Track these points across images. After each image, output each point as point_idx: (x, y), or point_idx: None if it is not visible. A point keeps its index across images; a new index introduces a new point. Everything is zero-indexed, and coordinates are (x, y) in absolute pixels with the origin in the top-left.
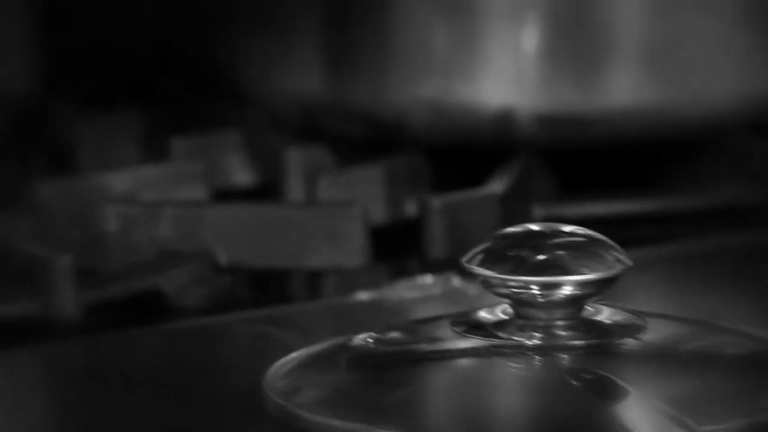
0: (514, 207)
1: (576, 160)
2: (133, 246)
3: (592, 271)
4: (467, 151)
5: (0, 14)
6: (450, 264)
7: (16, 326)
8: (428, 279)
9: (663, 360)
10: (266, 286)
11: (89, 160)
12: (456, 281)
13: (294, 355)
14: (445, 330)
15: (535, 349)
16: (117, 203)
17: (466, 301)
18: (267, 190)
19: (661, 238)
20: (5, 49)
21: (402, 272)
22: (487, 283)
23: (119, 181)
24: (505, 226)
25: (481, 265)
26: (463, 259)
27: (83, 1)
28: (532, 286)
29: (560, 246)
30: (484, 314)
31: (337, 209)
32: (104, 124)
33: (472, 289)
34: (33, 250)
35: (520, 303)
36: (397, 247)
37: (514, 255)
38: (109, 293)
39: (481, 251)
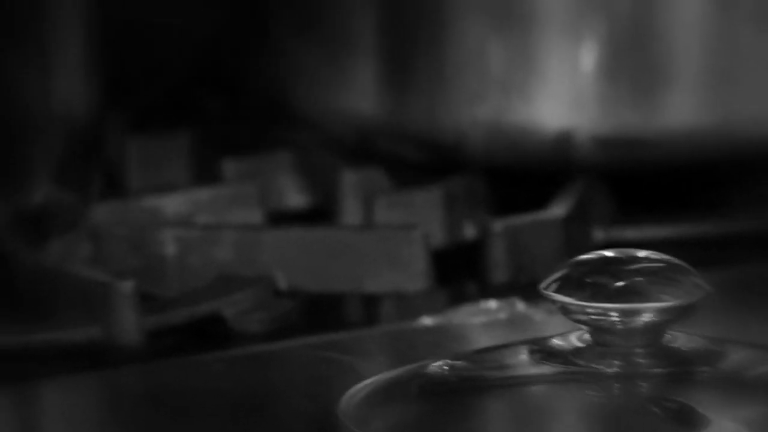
0: (575, 230)
1: (635, 181)
2: (191, 270)
3: (672, 297)
4: (525, 173)
5: (60, 35)
6: (512, 288)
7: (78, 352)
8: (492, 304)
9: (743, 387)
10: (327, 311)
11: (142, 182)
12: (520, 306)
13: (367, 382)
14: (520, 357)
15: (615, 376)
16: (175, 227)
17: (532, 327)
18: (321, 213)
19: (722, 262)
20: (65, 70)
21: (464, 297)
22: (565, 310)
23: (173, 203)
24: (567, 250)
25: (559, 291)
26: (541, 286)
27: (137, 20)
28: (612, 313)
29: (639, 272)
30: (560, 341)
31: (398, 233)
32: (156, 145)
33: (538, 315)
34: (93, 275)
35: (598, 330)
36: (456, 271)
37: (592, 281)
38: (171, 319)
39: (559, 278)
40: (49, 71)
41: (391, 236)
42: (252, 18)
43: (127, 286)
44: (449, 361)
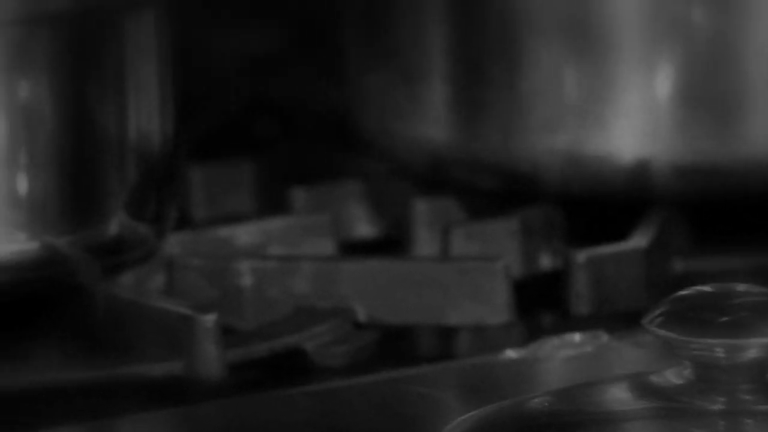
0: (656, 261)
1: (714, 211)
2: (268, 302)
3: None
4: (601, 203)
5: (137, 62)
6: (595, 320)
7: (158, 386)
8: (576, 337)
9: None
10: (407, 344)
11: (207, 211)
12: (605, 339)
13: (464, 418)
14: (620, 392)
15: (719, 413)
16: (252, 258)
17: (620, 361)
18: (391, 242)
19: None
20: (140, 98)
21: (545, 329)
22: (670, 345)
23: (245, 233)
24: (648, 281)
25: (662, 327)
26: (644, 321)
27: (196, 45)
28: (717, 348)
29: (742, 306)
30: (660, 377)
31: (479, 264)
32: (220, 173)
33: (625, 348)
34: (174, 308)
35: (702, 365)
36: (535, 303)
37: (696, 317)
38: (252, 352)
39: (661, 313)
40: (125, 99)
41: (472, 268)
42: (319, 42)
43: (210, 319)
44: (548, 397)
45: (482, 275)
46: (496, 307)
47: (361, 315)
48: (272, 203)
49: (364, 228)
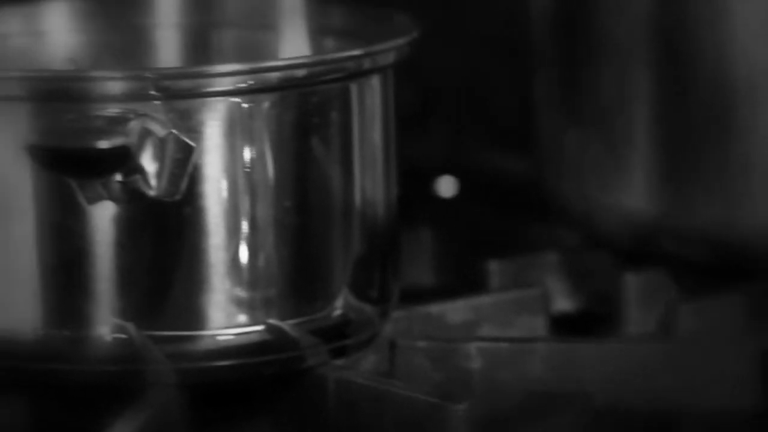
0: None
1: None
2: (498, 385)
3: None
4: None
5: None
6: None
7: None
8: None
9: None
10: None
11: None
12: None
13: None
14: None
15: None
16: (482, 339)
17: None
18: (594, 318)
19: None
20: (366, 171)
21: None
22: None
23: (454, 310)
24: None
25: None
26: None
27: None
28: None
29: None
30: None
31: (728, 346)
32: (415, 242)
33: None
34: (418, 395)
35: None
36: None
37: None
38: None
39: None
40: (351, 167)
41: (721, 350)
42: (511, 107)
43: (462, 408)
44: None
45: (731, 357)
46: (745, 390)
47: (600, 401)
48: (457, 275)
49: (562, 302)
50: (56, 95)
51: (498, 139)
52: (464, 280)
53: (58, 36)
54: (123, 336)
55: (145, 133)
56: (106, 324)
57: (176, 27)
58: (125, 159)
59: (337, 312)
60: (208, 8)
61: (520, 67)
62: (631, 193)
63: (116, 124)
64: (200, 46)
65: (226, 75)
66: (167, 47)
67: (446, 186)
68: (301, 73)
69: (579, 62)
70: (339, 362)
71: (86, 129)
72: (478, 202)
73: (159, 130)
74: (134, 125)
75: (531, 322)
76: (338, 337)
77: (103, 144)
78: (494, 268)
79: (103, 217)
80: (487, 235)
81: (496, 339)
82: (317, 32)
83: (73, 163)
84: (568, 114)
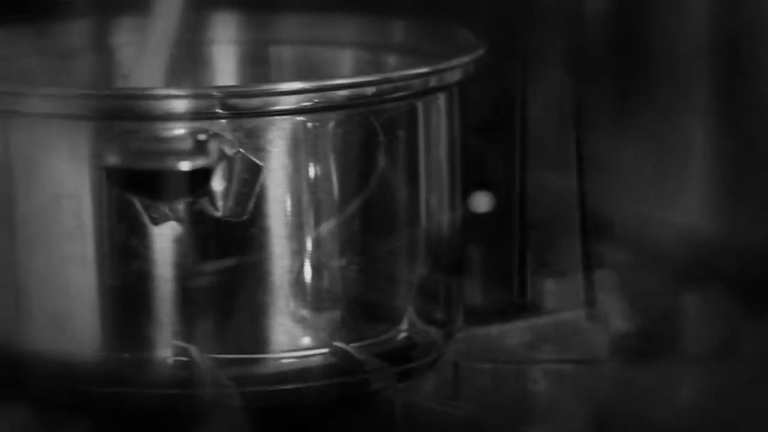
0: None
1: None
2: (562, 407)
3: None
4: None
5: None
6: None
7: None
8: None
9: None
10: None
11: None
12: None
13: None
14: None
15: None
16: (546, 361)
17: None
18: (650, 337)
19: None
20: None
21: None
22: None
23: (514, 331)
24: None
25: None
26: None
27: None
28: None
29: None
30: None
31: None
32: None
33: None
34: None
35: None
36: None
37: None
38: None
39: None
40: (417, 186)
41: None
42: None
43: (527, 430)
44: None
45: None
46: None
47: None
48: (508, 294)
49: (618, 322)
50: (122, 114)
51: (536, 154)
52: (518, 300)
53: (114, 52)
54: (185, 359)
55: (219, 154)
56: (168, 346)
57: (233, 44)
58: (205, 180)
59: (402, 334)
60: (264, 26)
61: (561, 79)
62: (689, 210)
63: (195, 145)
64: (257, 63)
65: (292, 93)
66: (223, 64)
67: (481, 202)
68: (367, 91)
69: (634, 74)
70: (403, 385)
71: (167, 150)
72: (514, 218)
73: (228, 150)
74: (213, 146)
75: (590, 342)
76: (403, 359)
77: (185, 165)
78: (551, 287)
79: (167, 238)
80: (533, 253)
81: (560, 360)
82: (379, 49)
83: (151, 185)
84: (621, 128)
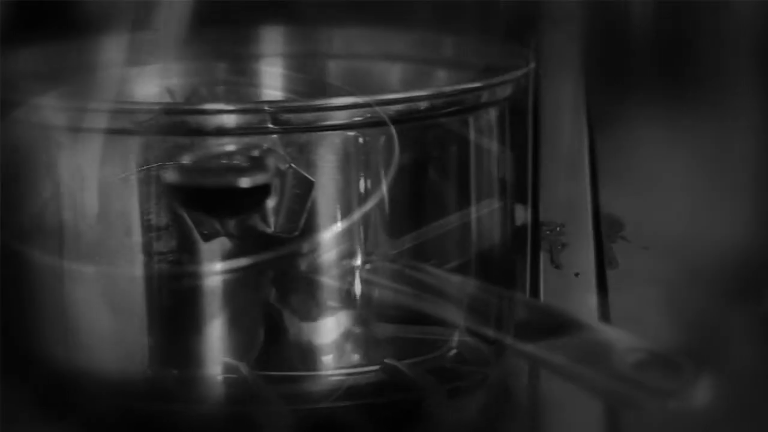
0: None
1: None
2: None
3: None
4: None
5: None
6: None
7: None
8: None
9: None
10: None
11: None
12: None
13: None
14: None
15: None
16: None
17: None
18: (695, 354)
19: None
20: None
21: None
22: None
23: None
24: None
25: None
26: None
27: None
28: None
29: None
30: None
31: None
32: None
33: None
34: None
35: None
36: None
37: None
38: None
39: None
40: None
41: None
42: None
43: None
44: None
45: None
46: None
47: None
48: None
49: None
50: (173, 129)
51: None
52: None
53: (160, 66)
54: (235, 376)
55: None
56: (218, 363)
57: (280, 57)
58: (262, 196)
59: (453, 351)
60: (312, 39)
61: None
62: (727, 226)
63: (253, 161)
64: (307, 77)
65: (344, 108)
66: (272, 78)
67: (518, 214)
68: (420, 105)
69: (682, 89)
70: (454, 402)
71: (225, 167)
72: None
73: (280, 165)
74: (270, 162)
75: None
76: (454, 377)
77: (245, 182)
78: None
79: (217, 254)
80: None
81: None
82: (429, 63)
83: (206, 201)
84: (667, 143)
